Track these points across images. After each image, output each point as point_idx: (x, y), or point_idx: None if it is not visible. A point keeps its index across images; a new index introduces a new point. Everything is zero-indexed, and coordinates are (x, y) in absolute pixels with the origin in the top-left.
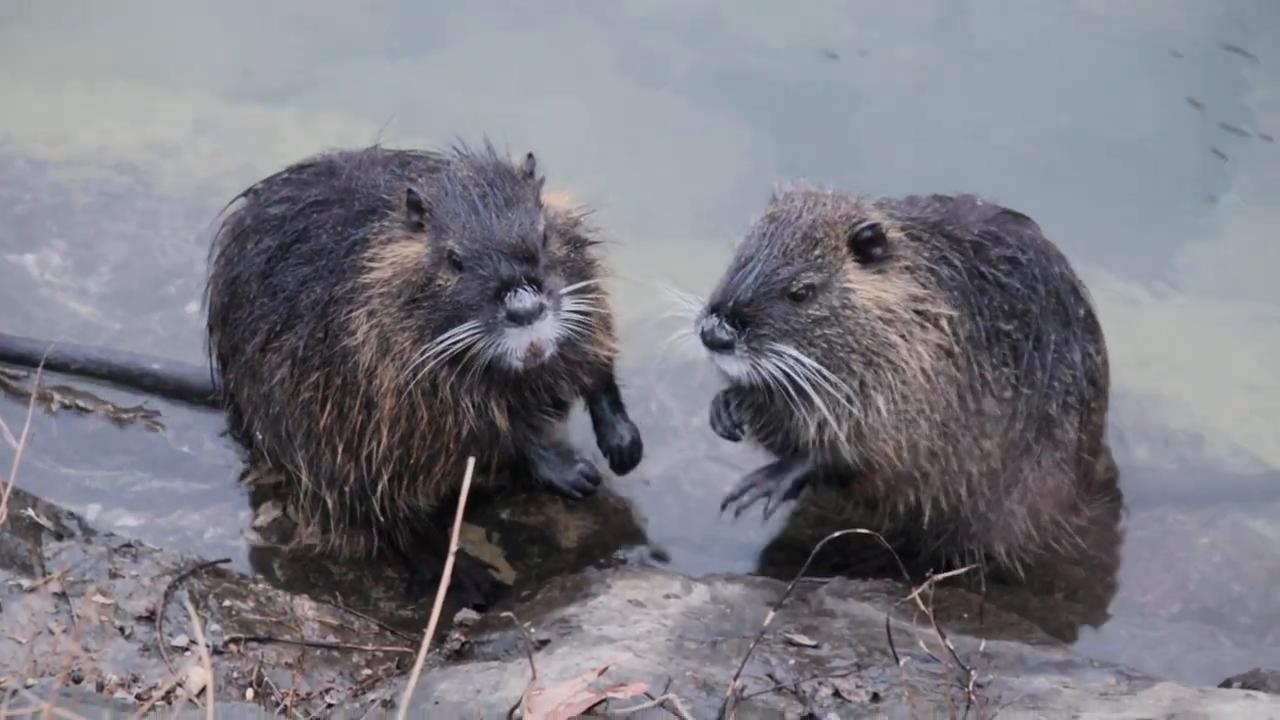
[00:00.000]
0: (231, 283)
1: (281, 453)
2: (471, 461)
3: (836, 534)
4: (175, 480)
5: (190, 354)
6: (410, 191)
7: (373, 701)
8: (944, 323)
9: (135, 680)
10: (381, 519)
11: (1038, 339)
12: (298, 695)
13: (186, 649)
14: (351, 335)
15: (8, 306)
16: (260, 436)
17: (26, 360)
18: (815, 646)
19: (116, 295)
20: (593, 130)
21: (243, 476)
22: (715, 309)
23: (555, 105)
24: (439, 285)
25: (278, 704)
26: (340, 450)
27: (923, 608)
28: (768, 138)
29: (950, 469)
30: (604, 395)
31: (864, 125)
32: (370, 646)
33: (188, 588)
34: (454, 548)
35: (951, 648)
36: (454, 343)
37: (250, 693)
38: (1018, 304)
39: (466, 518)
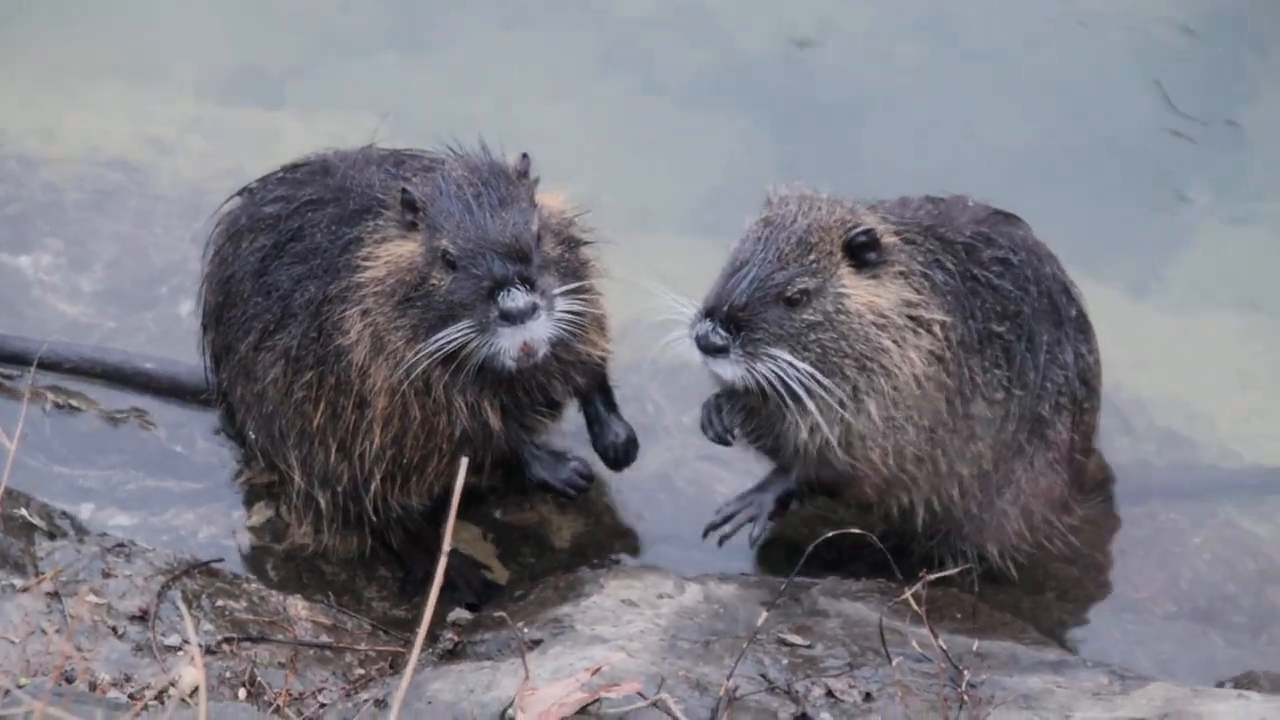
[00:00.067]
0: (225, 282)
1: (274, 452)
2: (465, 461)
3: (830, 534)
4: (168, 480)
5: (183, 353)
6: (404, 191)
7: (365, 701)
8: (936, 328)
9: (128, 680)
10: (374, 518)
11: (1030, 340)
12: (290, 695)
13: (179, 649)
14: (345, 334)
15: (0, 305)
16: (253, 436)
17: (19, 359)
18: (808, 646)
19: (109, 294)
20: (587, 130)
21: (236, 476)
22: (710, 313)
23: (549, 105)
24: (433, 284)
25: (270, 704)
26: (333, 450)
27: (915, 607)
28: (762, 137)
29: (939, 472)
30: (598, 395)
31: (858, 124)
32: (363, 646)
33: (181, 587)
34: (447, 547)
35: (944, 647)
36: (447, 342)
37: (243, 692)
38: (1010, 305)
39: (459, 517)
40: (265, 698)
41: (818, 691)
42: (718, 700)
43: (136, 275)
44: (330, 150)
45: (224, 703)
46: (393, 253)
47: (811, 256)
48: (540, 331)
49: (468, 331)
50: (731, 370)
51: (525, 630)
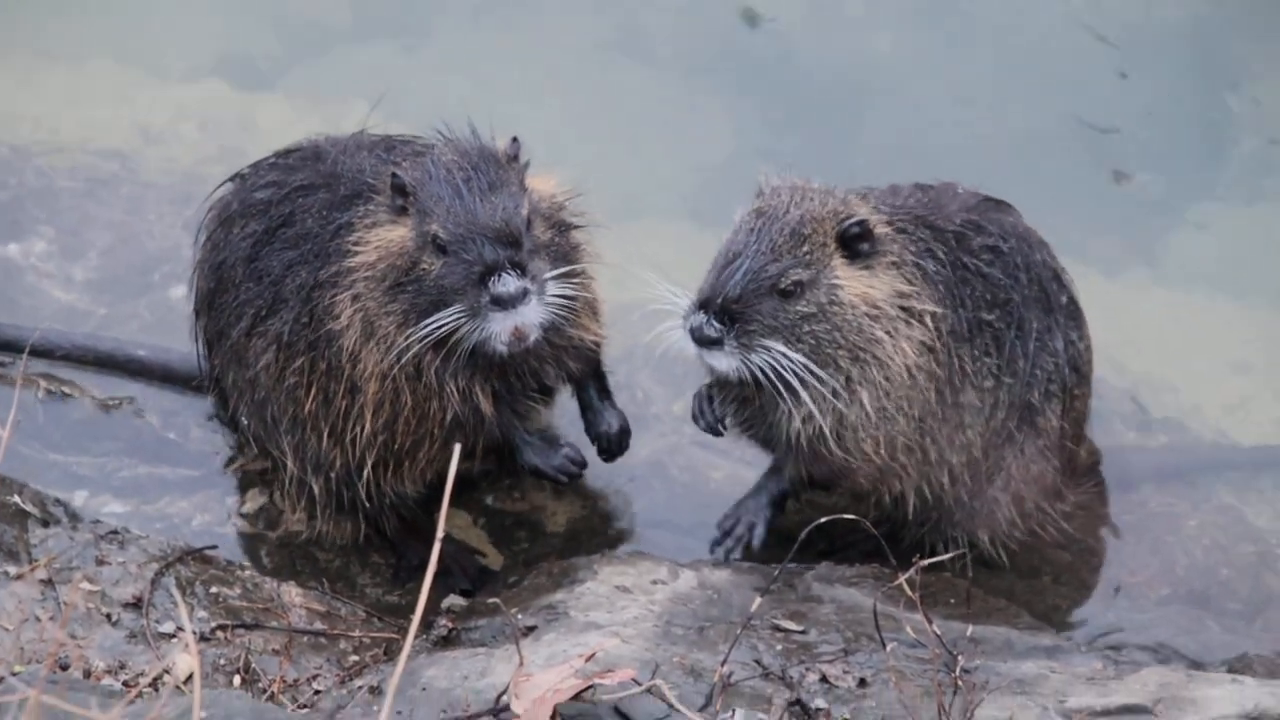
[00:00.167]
0: (217, 268)
1: (267, 438)
2: (458, 447)
3: (823, 520)
4: (162, 466)
5: (176, 339)
6: (394, 175)
7: (360, 688)
8: (928, 319)
9: (122, 667)
10: (368, 505)
11: (1020, 328)
12: (285, 681)
13: (173, 636)
14: (336, 319)
15: None
16: (246, 422)
17: (12, 346)
18: (802, 632)
19: (102, 281)
20: (577, 114)
21: (229, 463)
22: (704, 305)
23: (539, 89)
24: (423, 269)
25: (265, 690)
26: (325, 435)
27: (910, 593)
28: (751, 122)
29: (930, 461)
30: (591, 381)
31: (848, 108)
32: (357, 633)
33: (174, 574)
34: (441, 533)
35: (938, 633)
36: (438, 327)
37: (237, 679)
38: (1000, 293)
39: (453, 503)
40: (260, 685)
41: (812, 677)
42: (712, 686)
43: (129, 262)
44: (322, 136)
45: (218, 690)
46: (383, 238)
47: (805, 248)
48: (531, 316)
49: (459, 316)
50: (726, 362)
51: (519, 617)
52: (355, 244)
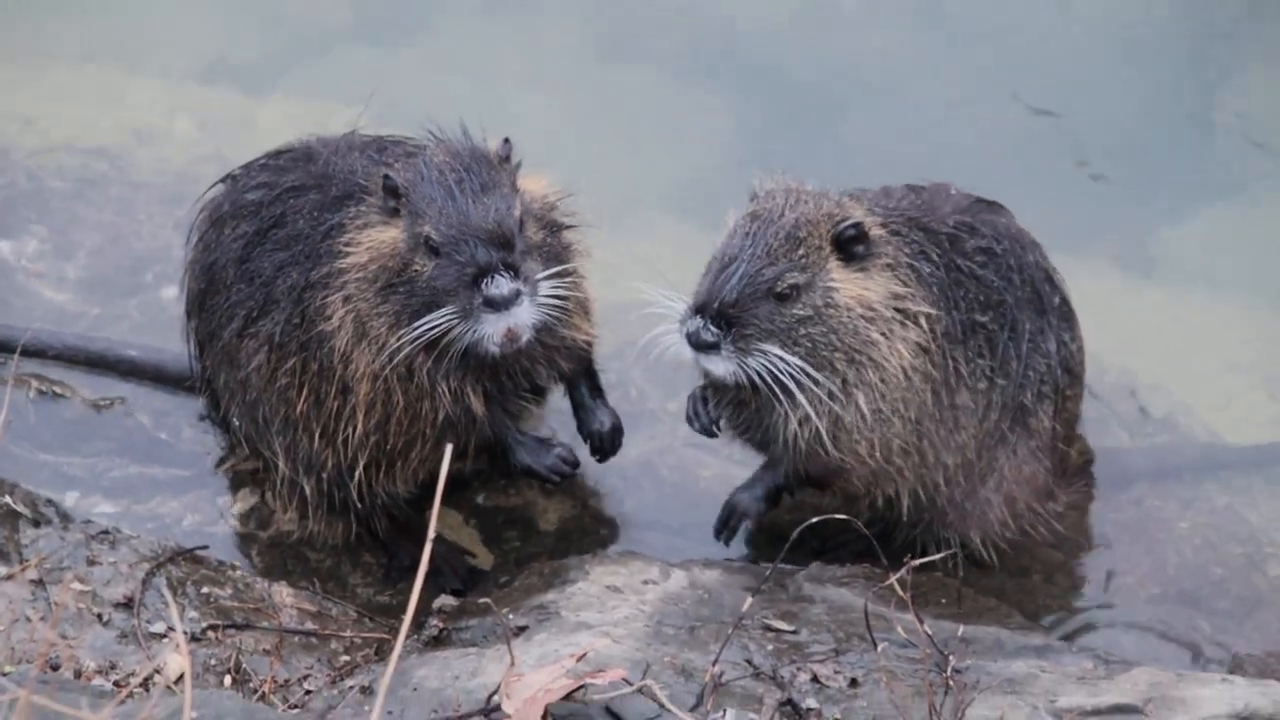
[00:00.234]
0: (208, 268)
1: (259, 439)
2: (450, 448)
3: (814, 519)
4: (153, 467)
5: (167, 340)
6: (386, 176)
7: (351, 688)
8: (923, 320)
9: (113, 667)
10: (359, 505)
11: (1013, 329)
12: (276, 682)
13: (164, 636)
14: (328, 320)
15: None
16: (237, 422)
17: (3, 347)
18: (793, 632)
19: (93, 281)
20: (568, 115)
21: (220, 463)
22: (700, 310)
23: (531, 90)
24: (415, 270)
25: (256, 690)
26: (317, 436)
27: (901, 593)
28: (744, 122)
29: (925, 463)
30: (583, 381)
31: (841, 107)
32: (348, 633)
33: (165, 574)
34: (432, 533)
35: (929, 633)
36: (430, 328)
37: (228, 679)
38: (993, 295)
39: (444, 503)
40: (250, 685)
41: (803, 677)
42: (703, 686)
43: (120, 263)
44: (313, 136)
45: (209, 690)
46: (375, 239)
47: (800, 251)
48: (524, 317)
49: (451, 318)
50: (723, 366)
51: (510, 617)
52: (347, 245)
